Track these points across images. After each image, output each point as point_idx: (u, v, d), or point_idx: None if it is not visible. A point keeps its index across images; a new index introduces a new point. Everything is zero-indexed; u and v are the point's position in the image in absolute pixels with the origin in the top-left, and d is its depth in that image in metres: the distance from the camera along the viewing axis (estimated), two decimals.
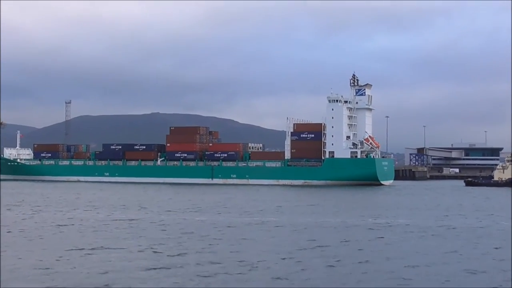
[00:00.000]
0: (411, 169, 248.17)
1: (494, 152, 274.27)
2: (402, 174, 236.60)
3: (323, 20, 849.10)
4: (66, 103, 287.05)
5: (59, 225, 58.33)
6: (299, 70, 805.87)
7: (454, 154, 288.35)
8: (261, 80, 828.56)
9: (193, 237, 49.52)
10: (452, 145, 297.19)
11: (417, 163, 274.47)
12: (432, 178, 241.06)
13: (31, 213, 70.57)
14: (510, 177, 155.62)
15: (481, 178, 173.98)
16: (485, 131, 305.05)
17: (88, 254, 40.99)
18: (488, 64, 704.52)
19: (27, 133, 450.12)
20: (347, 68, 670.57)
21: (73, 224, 59.22)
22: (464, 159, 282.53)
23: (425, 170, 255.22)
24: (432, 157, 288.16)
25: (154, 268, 35.63)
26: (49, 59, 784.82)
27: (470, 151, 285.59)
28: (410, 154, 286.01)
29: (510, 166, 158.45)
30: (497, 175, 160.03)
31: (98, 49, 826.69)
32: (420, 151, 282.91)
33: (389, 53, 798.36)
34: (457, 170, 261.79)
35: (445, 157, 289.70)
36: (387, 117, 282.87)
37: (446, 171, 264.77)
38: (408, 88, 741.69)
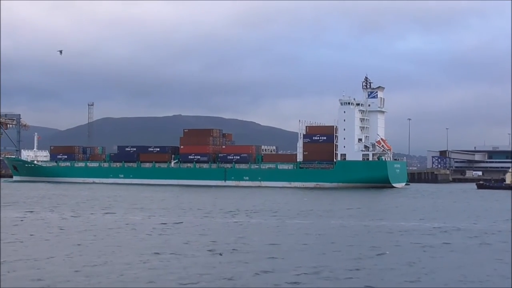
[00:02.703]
0: (433, 172, 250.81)
1: None
2: (424, 177, 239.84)
3: (356, 21, 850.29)
4: (88, 105, 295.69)
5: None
6: (329, 71, 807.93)
7: (477, 157, 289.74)
8: (289, 82, 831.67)
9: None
10: (475, 147, 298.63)
11: (439, 165, 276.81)
12: (454, 181, 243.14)
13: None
14: None
15: (492, 181, 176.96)
16: (509, 134, 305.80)
17: None
18: None
19: (50, 135, 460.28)
20: (377, 70, 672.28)
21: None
22: (487, 161, 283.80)
23: (448, 173, 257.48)
24: (454, 159, 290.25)
25: None
26: (78, 60, 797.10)
27: (493, 153, 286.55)
28: (433, 156, 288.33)
29: None
30: (509, 178, 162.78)
31: (128, 51, 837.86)
32: (443, 153, 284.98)
33: (421, 54, 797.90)
34: (480, 173, 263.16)
35: (468, 160, 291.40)
36: (409, 119, 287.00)
37: (469, 174, 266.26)
38: (438, 89, 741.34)
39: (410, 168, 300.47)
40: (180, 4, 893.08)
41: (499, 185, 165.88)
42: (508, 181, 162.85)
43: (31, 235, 53.78)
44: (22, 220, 66.56)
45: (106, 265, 38.79)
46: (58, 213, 75.95)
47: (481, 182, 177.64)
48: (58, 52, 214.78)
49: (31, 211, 78.10)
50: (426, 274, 37.46)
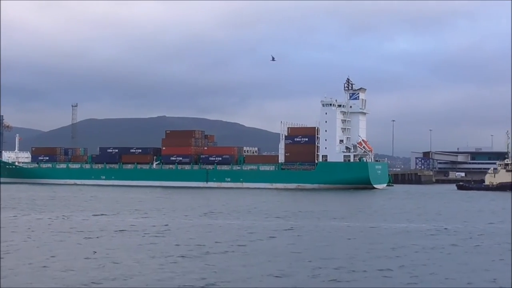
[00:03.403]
0: (417, 173, 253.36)
1: (500, 156, 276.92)
2: (408, 178, 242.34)
3: (345, 21, 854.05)
4: (72, 106, 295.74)
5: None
6: (317, 73, 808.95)
7: (460, 158, 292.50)
8: (277, 83, 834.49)
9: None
10: (458, 149, 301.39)
11: (423, 167, 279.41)
12: (438, 182, 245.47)
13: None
14: (500, 181, 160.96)
15: (472, 183, 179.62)
16: (491, 135, 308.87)
17: None
18: (509, 67, 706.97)
19: (34, 136, 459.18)
20: (365, 71, 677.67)
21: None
22: (470, 163, 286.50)
23: (431, 174, 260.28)
24: (438, 161, 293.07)
25: None
26: (65, 61, 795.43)
27: (476, 155, 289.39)
28: (416, 158, 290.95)
29: (502, 170, 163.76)
30: (488, 180, 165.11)
31: (116, 52, 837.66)
32: (426, 155, 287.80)
33: (409, 56, 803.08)
34: (463, 174, 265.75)
35: (451, 161, 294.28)
36: (393, 120, 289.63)
37: (452, 175, 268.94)
38: (425, 90, 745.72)
39: (394, 169, 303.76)
40: (169, 5, 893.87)
41: (479, 186, 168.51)
42: (487, 182, 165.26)
43: (28, 237, 53.91)
44: (13, 222, 66.34)
45: (101, 269, 39.03)
46: (48, 215, 75.60)
47: (461, 183, 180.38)
48: (271, 57, 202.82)
49: (20, 214, 77.50)
50: (430, 274, 38.27)
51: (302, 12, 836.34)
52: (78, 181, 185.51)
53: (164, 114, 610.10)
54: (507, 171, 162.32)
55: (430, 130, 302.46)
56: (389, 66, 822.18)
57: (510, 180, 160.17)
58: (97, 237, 54.55)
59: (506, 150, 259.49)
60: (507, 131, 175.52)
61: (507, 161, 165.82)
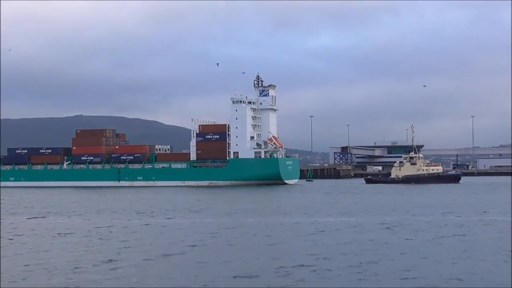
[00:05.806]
0: (336, 168, 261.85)
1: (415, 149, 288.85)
2: (327, 173, 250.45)
3: (270, 17, 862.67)
4: None
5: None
6: (241, 69, 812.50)
7: (377, 152, 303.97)
8: (200, 80, 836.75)
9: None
10: (375, 143, 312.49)
11: (341, 161, 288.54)
12: (356, 176, 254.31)
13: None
14: (405, 174, 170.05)
15: (380, 176, 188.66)
16: (406, 129, 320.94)
17: None
18: (428, 62, 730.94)
19: None
20: (289, 66, 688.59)
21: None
22: (386, 156, 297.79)
23: (349, 168, 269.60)
24: (356, 155, 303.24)
25: None
26: None
27: (392, 149, 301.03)
28: (335, 153, 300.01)
29: (407, 164, 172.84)
30: (394, 173, 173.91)
31: (34, 49, 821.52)
32: (344, 149, 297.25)
33: (332, 51, 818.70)
34: (380, 167, 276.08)
35: (368, 155, 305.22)
36: (311, 116, 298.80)
37: (370, 169, 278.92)
38: (347, 86, 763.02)
39: (313, 164, 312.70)
40: (89, 2, 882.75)
41: (385, 179, 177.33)
42: (393, 175, 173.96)
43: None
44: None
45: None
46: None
47: (369, 177, 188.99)
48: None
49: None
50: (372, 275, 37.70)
51: (226, 8, 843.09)
52: None
53: (81, 113, 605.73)
54: (412, 164, 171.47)
55: (348, 125, 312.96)
56: (312, 61, 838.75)
57: (414, 173, 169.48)
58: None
59: (419, 144, 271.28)
60: (412, 125, 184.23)
61: (411, 154, 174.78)
